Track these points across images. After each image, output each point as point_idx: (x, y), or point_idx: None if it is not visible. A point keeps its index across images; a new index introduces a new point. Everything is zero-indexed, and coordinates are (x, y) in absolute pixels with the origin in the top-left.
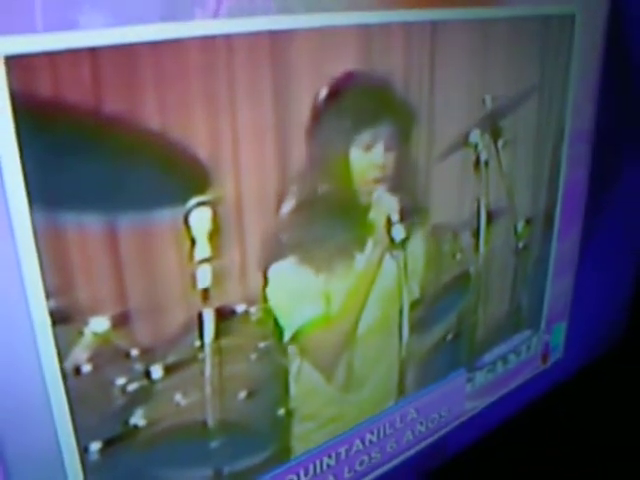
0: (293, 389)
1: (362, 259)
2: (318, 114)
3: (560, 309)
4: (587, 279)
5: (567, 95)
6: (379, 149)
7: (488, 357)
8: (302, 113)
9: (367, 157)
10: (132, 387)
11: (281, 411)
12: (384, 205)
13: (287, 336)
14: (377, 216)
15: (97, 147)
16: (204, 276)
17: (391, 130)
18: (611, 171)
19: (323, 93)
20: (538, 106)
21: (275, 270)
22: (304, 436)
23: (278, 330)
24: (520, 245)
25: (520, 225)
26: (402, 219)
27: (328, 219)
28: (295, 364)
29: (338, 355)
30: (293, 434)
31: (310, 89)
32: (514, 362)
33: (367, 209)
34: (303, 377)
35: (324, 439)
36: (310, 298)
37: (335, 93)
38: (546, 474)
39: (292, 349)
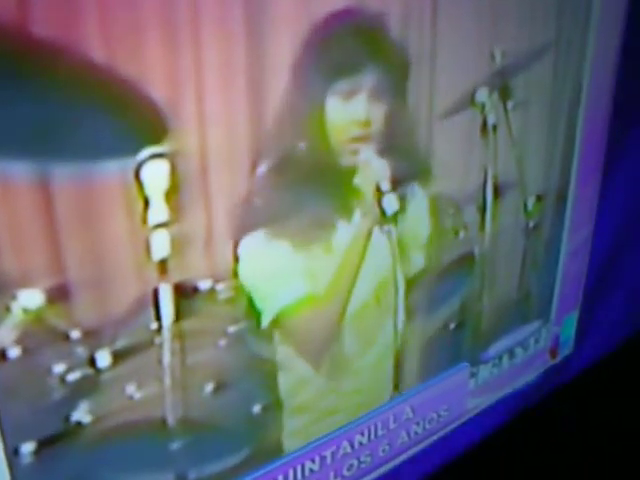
0: (275, 381)
1: (348, 233)
2: (301, 54)
3: (572, 298)
4: (601, 265)
5: (585, 54)
6: (361, 100)
7: (493, 350)
8: (282, 51)
9: (346, 109)
10: (73, 376)
11: (257, 407)
12: (372, 170)
13: (265, 321)
14: (364, 183)
15: (26, 80)
16: (160, 244)
17: (378, 79)
18: (632, 142)
19: (309, 29)
20: (553, 65)
21: (246, 244)
22: (284, 437)
23: (256, 313)
24: (530, 224)
25: (530, 202)
26: (394, 188)
27: (305, 183)
28: (279, 351)
29: (325, 341)
30: (271, 434)
31: (293, 22)
32: (521, 356)
33: (351, 173)
34: (287, 366)
35: (307, 440)
36: (290, 277)
37: (323, 30)
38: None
39: (275, 335)
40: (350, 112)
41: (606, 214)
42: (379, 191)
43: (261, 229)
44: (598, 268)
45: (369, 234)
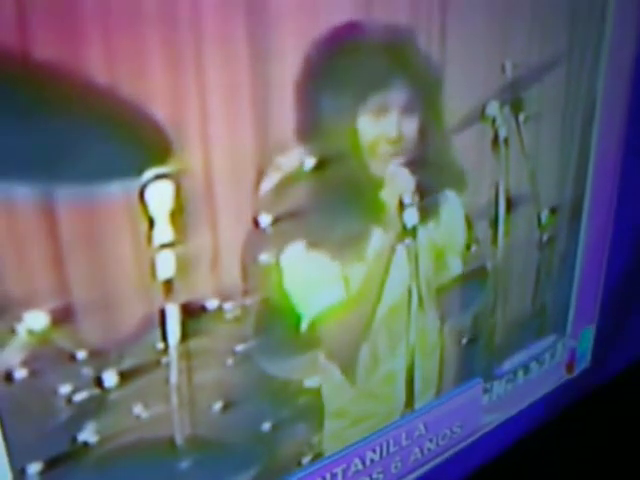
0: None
1: (373, 247)
2: (312, 71)
3: (589, 311)
4: (618, 278)
5: (599, 65)
6: (392, 117)
7: (508, 365)
8: (288, 69)
9: (378, 126)
10: (80, 396)
11: (266, 425)
12: (397, 184)
13: (305, 324)
14: (389, 196)
15: (30, 103)
16: (166, 264)
17: (406, 95)
18: None
19: (317, 45)
20: (566, 77)
21: (288, 254)
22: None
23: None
24: (544, 237)
25: (544, 215)
26: (422, 198)
27: (333, 196)
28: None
29: (354, 347)
30: (281, 452)
31: (299, 39)
32: (536, 371)
33: (379, 186)
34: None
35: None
36: (328, 282)
37: (332, 46)
38: None
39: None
40: (382, 129)
41: (623, 225)
42: (402, 204)
43: (300, 240)
44: (615, 281)
45: (393, 248)
